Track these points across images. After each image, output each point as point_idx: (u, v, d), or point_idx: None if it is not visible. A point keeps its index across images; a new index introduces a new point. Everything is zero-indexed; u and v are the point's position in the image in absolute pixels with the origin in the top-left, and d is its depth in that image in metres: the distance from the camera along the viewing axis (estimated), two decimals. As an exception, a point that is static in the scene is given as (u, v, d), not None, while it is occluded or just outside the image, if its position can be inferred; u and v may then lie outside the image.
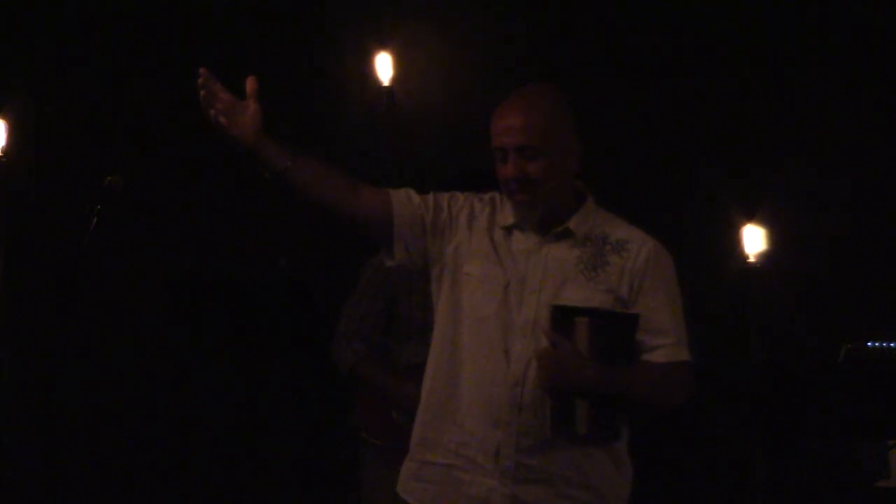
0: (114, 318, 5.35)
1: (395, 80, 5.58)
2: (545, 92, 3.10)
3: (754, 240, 5.29)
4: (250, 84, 3.00)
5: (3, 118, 5.23)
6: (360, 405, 4.48)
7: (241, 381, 5.28)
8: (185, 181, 5.47)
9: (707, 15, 5.50)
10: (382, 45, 5.59)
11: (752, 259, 5.28)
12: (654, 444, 4.62)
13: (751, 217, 5.33)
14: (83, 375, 5.32)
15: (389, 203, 3.08)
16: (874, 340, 4.77)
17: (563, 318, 2.95)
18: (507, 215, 3.11)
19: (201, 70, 2.98)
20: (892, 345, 4.76)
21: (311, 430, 5.43)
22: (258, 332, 5.12)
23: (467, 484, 3.00)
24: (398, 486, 3.13)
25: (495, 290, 3.03)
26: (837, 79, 5.42)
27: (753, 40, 5.50)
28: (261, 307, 5.05)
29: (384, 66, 5.58)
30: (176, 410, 5.36)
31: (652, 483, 3.72)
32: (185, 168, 5.45)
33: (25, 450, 5.23)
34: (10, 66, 5.44)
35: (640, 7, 5.56)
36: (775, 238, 5.30)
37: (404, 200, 3.10)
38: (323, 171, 3.06)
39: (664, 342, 3.00)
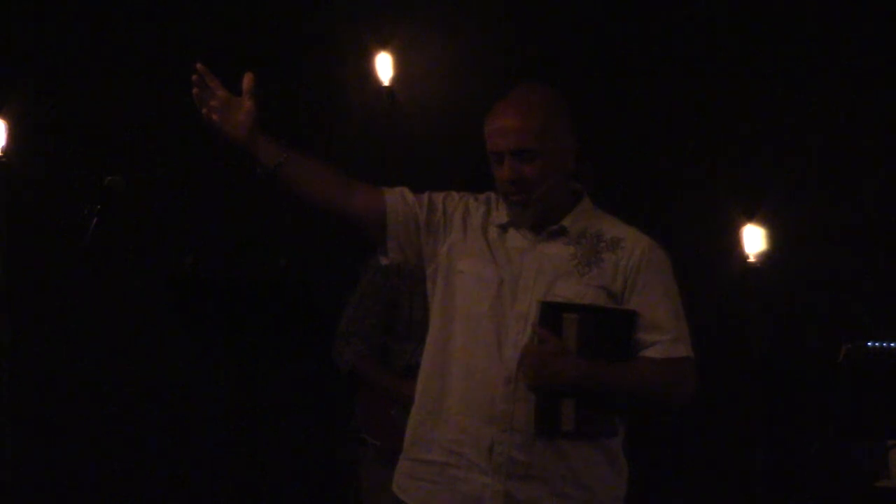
0: (114, 317, 5.35)
1: (396, 80, 5.58)
2: (540, 92, 3.07)
3: (754, 240, 5.30)
4: (247, 81, 3.01)
5: (3, 118, 5.24)
6: (359, 406, 4.48)
7: (241, 380, 5.28)
8: (185, 181, 5.47)
9: (707, 14, 5.50)
10: (382, 46, 5.60)
11: (752, 259, 5.28)
12: (653, 442, 4.62)
13: (751, 217, 5.33)
14: (83, 374, 5.33)
15: (383, 201, 3.07)
16: (874, 340, 4.77)
17: (551, 314, 2.92)
18: (502, 214, 3.09)
19: (197, 66, 2.99)
20: (892, 345, 4.76)
21: (311, 430, 5.43)
22: (258, 332, 5.12)
23: (461, 481, 2.98)
24: (393, 484, 3.12)
25: (489, 287, 3.01)
26: (838, 79, 5.42)
27: (754, 40, 5.49)
28: (261, 307, 5.05)
29: (384, 67, 5.58)
30: (175, 409, 5.36)
31: (650, 482, 3.73)
32: (185, 168, 5.45)
33: (25, 450, 5.23)
34: (10, 66, 5.44)
35: (640, 6, 5.56)
36: (775, 238, 5.30)
37: (398, 199, 3.08)
38: (316, 169, 3.05)
39: (660, 338, 2.98)
